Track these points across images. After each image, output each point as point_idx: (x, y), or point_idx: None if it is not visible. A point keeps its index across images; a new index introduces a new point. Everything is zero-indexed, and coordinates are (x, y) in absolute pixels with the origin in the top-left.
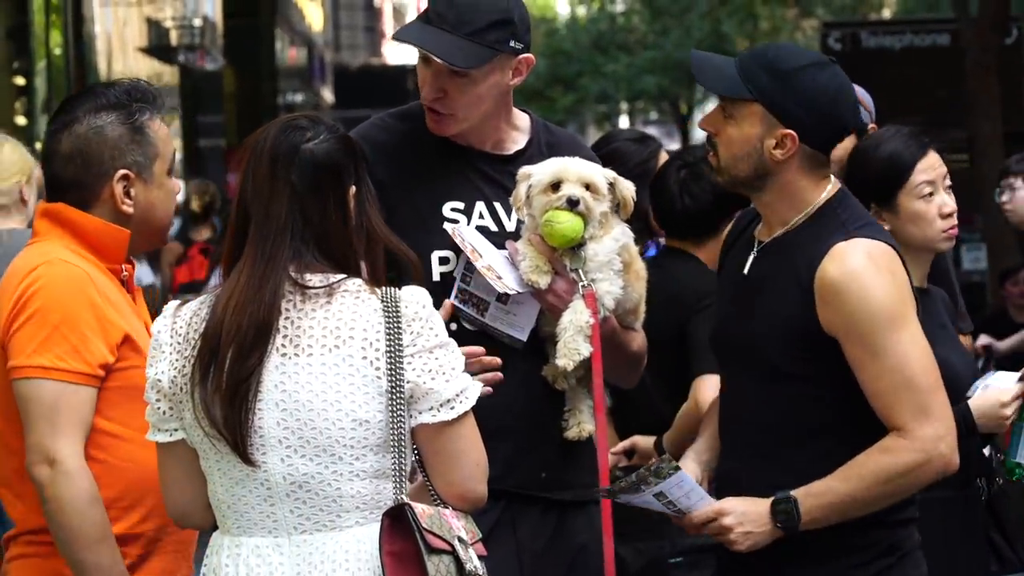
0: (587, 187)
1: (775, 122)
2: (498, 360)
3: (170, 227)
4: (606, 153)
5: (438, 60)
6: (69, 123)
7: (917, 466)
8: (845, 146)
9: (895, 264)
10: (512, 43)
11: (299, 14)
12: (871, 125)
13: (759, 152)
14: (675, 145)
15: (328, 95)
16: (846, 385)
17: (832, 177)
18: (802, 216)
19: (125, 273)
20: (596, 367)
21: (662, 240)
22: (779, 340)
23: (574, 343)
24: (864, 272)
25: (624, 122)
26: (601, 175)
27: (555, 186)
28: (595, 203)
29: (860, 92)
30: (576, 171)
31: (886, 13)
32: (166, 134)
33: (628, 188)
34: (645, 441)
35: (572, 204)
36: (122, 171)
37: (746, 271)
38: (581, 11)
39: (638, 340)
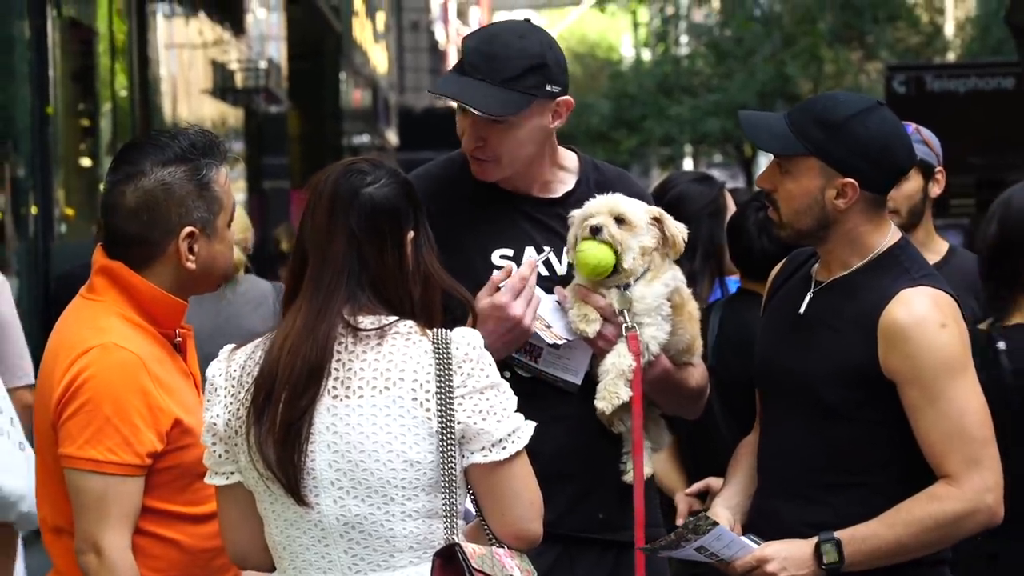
0: (619, 219)
1: (834, 173)
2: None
3: (228, 276)
4: (672, 197)
5: (477, 111)
6: (135, 175)
7: (964, 515)
8: (914, 186)
9: (958, 314)
10: (548, 87)
11: (364, 56)
12: (938, 168)
13: (821, 204)
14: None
15: (392, 137)
16: (897, 429)
17: (892, 224)
18: (865, 260)
19: (179, 339)
20: (636, 410)
21: (730, 279)
22: (835, 380)
23: (614, 387)
24: (931, 319)
25: (688, 164)
26: (638, 209)
27: (586, 221)
28: (626, 235)
29: (927, 134)
30: (606, 204)
31: (951, 56)
32: (229, 186)
33: (677, 227)
34: (718, 483)
35: (594, 232)
36: (188, 228)
37: (802, 310)
38: (646, 54)
39: (696, 375)
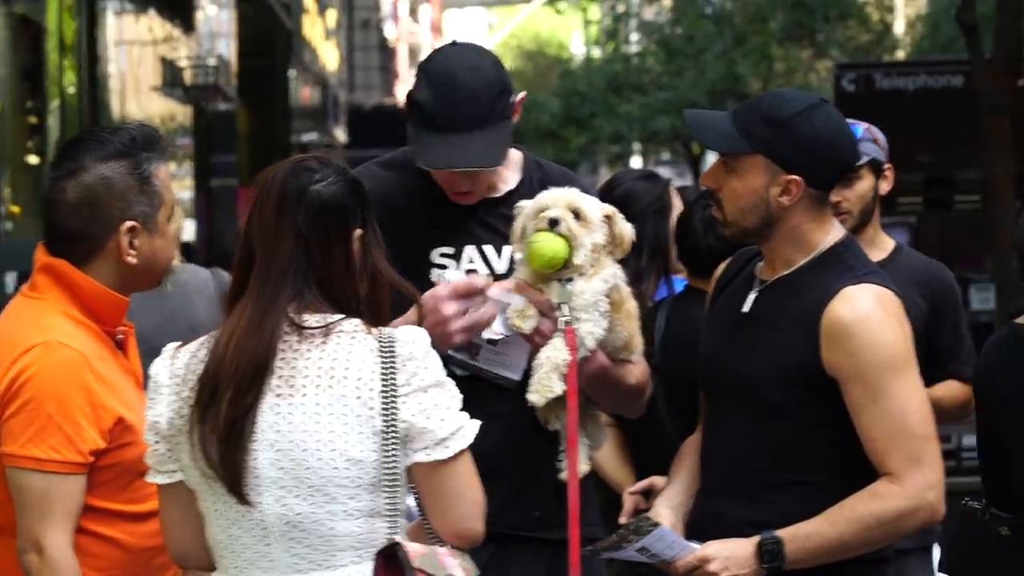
0: (576, 214)
1: (779, 170)
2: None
3: (169, 271)
4: (618, 195)
5: (486, 168)
6: (75, 171)
7: (906, 513)
8: (867, 185)
9: (901, 311)
10: (511, 99)
11: (313, 54)
12: (887, 165)
13: (765, 201)
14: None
15: (341, 135)
16: (839, 428)
17: (836, 221)
18: (808, 258)
19: (120, 336)
20: (571, 404)
21: (676, 277)
22: (778, 379)
23: (548, 380)
24: (874, 316)
25: (637, 162)
26: (593, 205)
27: (542, 212)
28: (582, 230)
29: (875, 131)
30: (564, 197)
31: (900, 54)
32: (169, 181)
33: (626, 226)
34: (663, 481)
35: (552, 224)
36: (129, 223)
37: (747, 308)
38: (596, 52)
39: (635, 373)
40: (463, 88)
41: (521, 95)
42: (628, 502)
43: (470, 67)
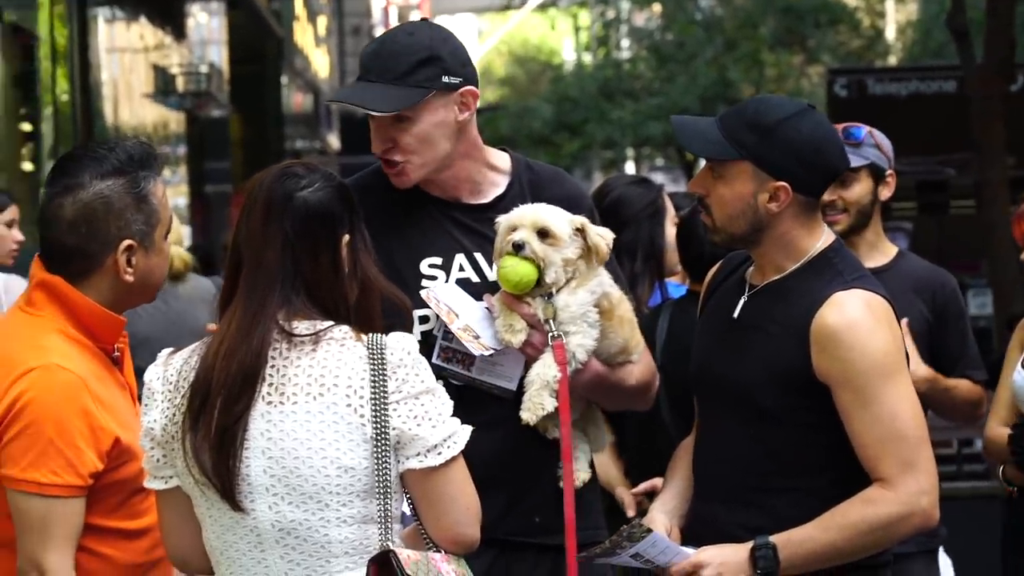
0: (543, 232)
1: (766, 177)
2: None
3: (160, 286)
4: (610, 201)
5: (371, 113)
6: (72, 188)
7: (899, 519)
8: (863, 188)
9: (891, 317)
10: (445, 79)
11: (305, 60)
12: (889, 171)
13: (754, 208)
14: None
15: (335, 141)
16: (832, 432)
17: (826, 226)
18: (798, 263)
19: (117, 353)
20: (563, 419)
21: (672, 280)
22: (769, 384)
23: (539, 397)
24: (863, 322)
25: (630, 168)
26: (562, 221)
27: (508, 236)
28: (551, 249)
29: (880, 137)
30: (531, 217)
31: (892, 60)
32: (166, 199)
33: (600, 233)
34: None
35: (517, 248)
36: (127, 242)
37: (736, 314)
38: (587, 58)
39: (636, 372)
40: (389, 44)
41: (470, 88)
42: (625, 497)
43: (407, 31)
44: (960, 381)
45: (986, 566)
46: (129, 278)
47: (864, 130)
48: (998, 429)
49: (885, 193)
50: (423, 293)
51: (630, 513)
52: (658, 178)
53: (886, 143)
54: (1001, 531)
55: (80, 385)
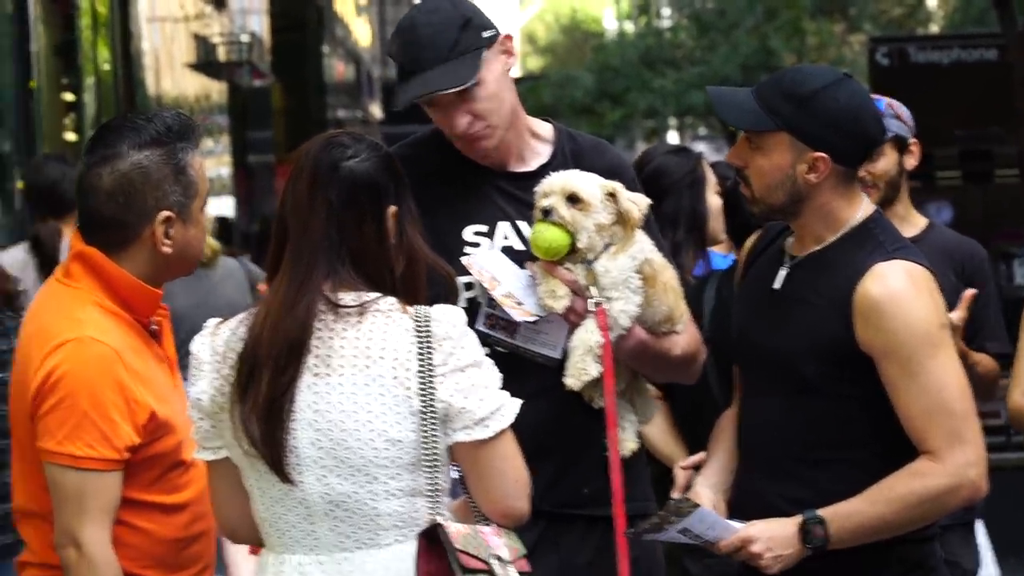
0: (573, 198)
1: (804, 147)
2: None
3: (199, 259)
4: (650, 170)
5: (452, 92)
6: (111, 158)
7: (947, 491)
8: (889, 161)
9: (933, 286)
10: (485, 33)
11: (346, 30)
12: (912, 140)
13: (792, 179)
14: None
15: (377, 111)
16: (876, 404)
17: (865, 196)
18: (838, 234)
19: (155, 326)
20: (607, 385)
21: (716, 250)
22: (812, 356)
23: (582, 363)
24: (906, 293)
25: (673, 137)
26: (592, 186)
27: (540, 202)
28: (580, 214)
29: (899, 108)
30: (561, 183)
31: (934, 28)
32: (204, 171)
33: (633, 199)
34: None
35: (545, 214)
36: (165, 213)
37: (777, 285)
38: (629, 27)
39: (681, 343)
40: (421, 29)
41: (505, 33)
42: (680, 476)
43: (428, 10)
44: (982, 357)
45: None
46: (167, 250)
47: (883, 102)
48: (1021, 400)
49: (911, 162)
50: (465, 260)
51: (674, 494)
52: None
53: (905, 112)
54: None
55: (115, 358)
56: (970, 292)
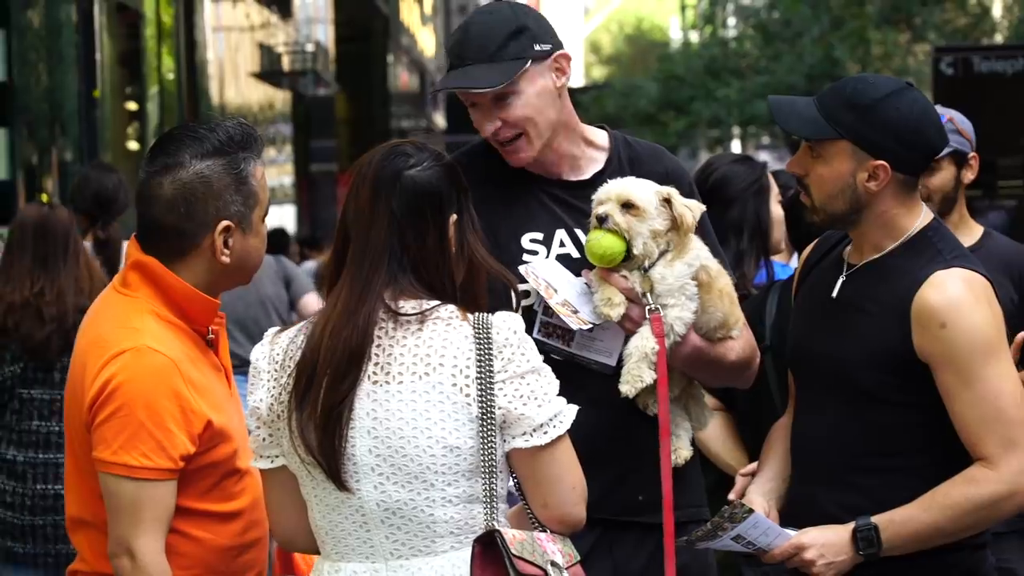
0: (628, 205)
1: (865, 156)
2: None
3: (258, 268)
4: (715, 180)
5: (477, 91)
6: (172, 167)
7: (1001, 498)
8: (947, 176)
9: (991, 295)
10: (536, 47)
11: (411, 39)
12: (971, 154)
13: (852, 187)
14: None
15: (440, 120)
16: (933, 412)
17: (924, 205)
18: (897, 242)
19: (211, 335)
20: (661, 393)
21: (776, 259)
22: (870, 363)
23: (637, 370)
24: (964, 301)
25: (736, 147)
26: (647, 192)
27: (600, 206)
28: (635, 220)
29: (960, 122)
30: (616, 190)
31: (998, 38)
32: (264, 181)
33: (687, 205)
34: None
35: (600, 222)
36: (225, 222)
37: (835, 293)
38: (694, 36)
39: (736, 348)
40: (474, 27)
41: (563, 52)
42: (739, 482)
43: (488, 11)
44: None
45: None
46: (226, 259)
47: (944, 116)
48: None
49: (969, 176)
50: (522, 269)
51: (731, 497)
52: (764, 157)
53: (966, 126)
54: None
55: (172, 367)
56: None
